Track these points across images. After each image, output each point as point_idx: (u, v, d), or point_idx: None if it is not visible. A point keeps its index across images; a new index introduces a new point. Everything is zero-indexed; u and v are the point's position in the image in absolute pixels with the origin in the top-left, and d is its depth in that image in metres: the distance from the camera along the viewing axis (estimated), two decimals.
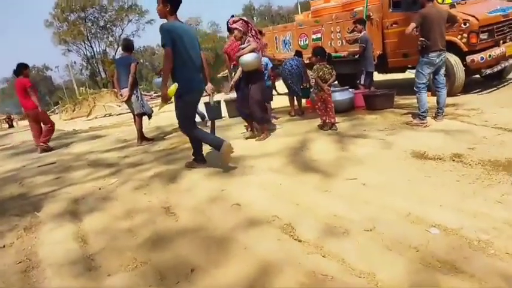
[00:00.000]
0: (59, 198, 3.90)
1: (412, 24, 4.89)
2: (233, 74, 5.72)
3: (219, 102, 8.44)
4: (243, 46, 4.91)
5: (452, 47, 7.00)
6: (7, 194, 4.37)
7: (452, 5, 7.07)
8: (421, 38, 4.89)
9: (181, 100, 3.82)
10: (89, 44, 44.49)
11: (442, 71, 5.18)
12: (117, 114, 21.93)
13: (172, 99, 3.81)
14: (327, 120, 5.19)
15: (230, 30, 5.25)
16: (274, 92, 8.59)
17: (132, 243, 2.70)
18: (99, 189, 4.03)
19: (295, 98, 7.12)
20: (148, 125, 7.06)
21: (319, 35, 9.69)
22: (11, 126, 21.91)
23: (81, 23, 42.74)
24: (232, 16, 5.86)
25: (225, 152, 3.92)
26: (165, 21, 3.77)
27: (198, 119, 5.39)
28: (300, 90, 6.91)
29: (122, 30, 45.00)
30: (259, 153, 4.59)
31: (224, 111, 8.49)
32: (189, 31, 3.95)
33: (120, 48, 45.84)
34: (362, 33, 7.23)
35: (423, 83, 5.09)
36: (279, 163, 4.09)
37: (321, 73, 5.09)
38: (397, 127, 5.10)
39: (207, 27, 52.49)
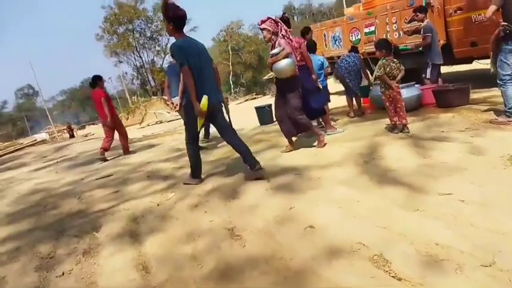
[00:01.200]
0: (118, 215, 3.73)
1: (492, 7, 4.23)
2: None
3: (270, 106, 8.11)
4: (274, 52, 4.48)
5: None
6: (66, 210, 4.31)
7: None
8: (503, 23, 4.21)
9: (193, 112, 3.82)
10: (138, 55, 46.30)
11: None
12: (168, 121, 22.44)
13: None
14: (398, 122, 4.65)
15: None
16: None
17: (198, 274, 2.41)
18: (158, 205, 3.83)
19: (353, 97, 6.61)
20: (202, 136, 6.87)
21: (372, 28, 9.08)
22: (72, 136, 23.00)
23: (129, 34, 44.55)
24: (284, 13, 5.51)
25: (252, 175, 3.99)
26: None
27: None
28: (359, 88, 6.39)
29: (168, 39, 46.32)
30: (324, 161, 4.17)
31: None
32: (197, 45, 3.92)
33: (167, 56, 47.39)
34: (424, 22, 6.55)
35: (508, 75, 4.41)
36: (349, 174, 3.65)
37: (388, 69, 4.56)
38: (481, 127, 4.45)
39: (248, 30, 52.64)
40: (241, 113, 12.28)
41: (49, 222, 3.92)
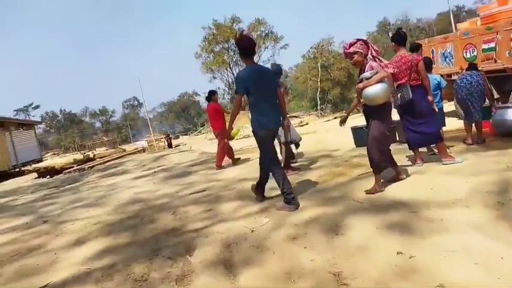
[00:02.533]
0: (212, 239, 3.58)
1: None
2: (398, 94, 4.80)
3: (367, 126, 7.50)
4: (366, 75, 3.94)
5: None
6: (162, 226, 4.31)
7: None
8: None
9: (257, 136, 4.21)
10: (230, 71, 48.43)
11: None
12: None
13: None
14: None
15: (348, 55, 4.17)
16: None
17: None
18: (252, 231, 3.59)
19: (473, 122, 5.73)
20: (297, 153, 6.57)
21: (492, 44, 7.93)
22: (170, 145, 24.30)
23: (224, 52, 46.90)
24: (400, 29, 5.00)
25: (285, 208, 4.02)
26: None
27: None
28: (481, 112, 5.53)
29: (259, 56, 47.81)
30: (444, 197, 3.55)
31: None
32: (262, 73, 4.16)
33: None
34: None
35: None
36: (480, 217, 3.00)
37: None
38: None
39: (339, 47, 51.75)
40: (332, 132, 11.78)
41: (145, 238, 3.94)
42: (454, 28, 17.19)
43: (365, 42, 4.09)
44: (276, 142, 4.58)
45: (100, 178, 10.13)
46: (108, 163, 14.40)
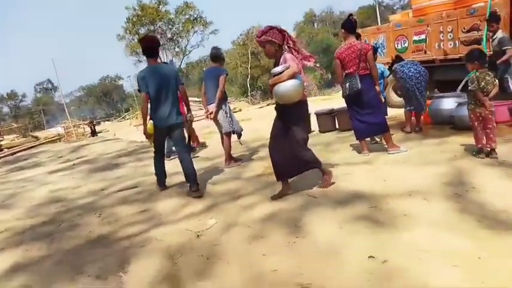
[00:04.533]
0: (150, 248, 3.02)
1: None
2: (346, 84, 4.61)
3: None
4: (277, 70, 3.42)
5: None
6: (85, 233, 3.62)
7: None
8: None
9: (155, 132, 4.41)
10: None
11: None
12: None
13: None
14: (487, 146, 3.85)
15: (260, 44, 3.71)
16: None
17: None
18: (198, 236, 3.11)
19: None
20: (240, 145, 6.14)
21: (423, 36, 8.27)
22: (94, 132, 22.05)
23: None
24: (351, 15, 4.77)
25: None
26: None
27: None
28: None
29: (188, 41, 46.22)
30: (399, 189, 3.41)
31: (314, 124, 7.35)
32: (159, 72, 4.24)
33: (185, 58, 47.21)
34: (499, 33, 5.72)
35: None
36: (441, 211, 2.87)
37: (483, 83, 3.76)
38: None
39: None
40: (268, 119, 11.57)
41: (65, 250, 3.24)
42: (378, 21, 17.98)
43: (280, 30, 3.54)
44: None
45: (8, 172, 8.72)
46: (18, 154, 12.64)
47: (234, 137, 5.60)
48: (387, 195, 3.32)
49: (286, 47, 3.53)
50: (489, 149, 3.86)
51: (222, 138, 5.55)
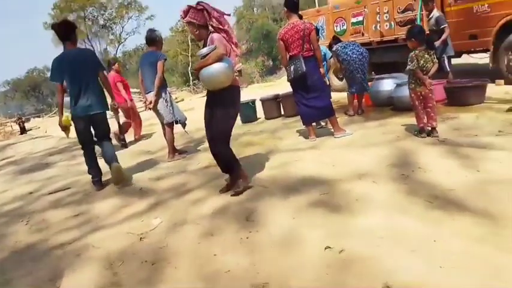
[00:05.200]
0: (86, 257, 2.69)
1: None
2: (291, 67, 4.48)
3: (253, 101, 7.21)
4: (202, 52, 3.14)
5: None
6: (12, 243, 3.19)
7: None
8: None
9: (76, 124, 4.15)
10: (89, 43, 43.27)
11: None
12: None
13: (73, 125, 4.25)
14: (428, 125, 3.95)
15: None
16: None
17: None
18: (141, 239, 2.83)
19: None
20: (187, 133, 5.79)
21: (360, 18, 8.44)
22: (23, 130, 19.94)
23: (81, 22, 41.48)
24: None
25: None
26: None
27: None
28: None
29: (122, 27, 43.95)
30: (348, 173, 3.38)
31: (260, 111, 7.24)
32: (76, 58, 4.00)
33: (121, 45, 44.82)
34: (435, 12, 5.93)
35: None
36: (390, 193, 2.86)
37: (422, 62, 3.81)
38: None
39: None
40: None
41: None
42: (316, 3, 18.07)
43: (200, 9, 3.15)
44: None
45: None
46: None
47: (177, 127, 5.28)
48: (337, 180, 3.28)
49: (211, 27, 3.19)
50: (430, 128, 3.97)
51: (163, 129, 5.21)
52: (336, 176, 3.38)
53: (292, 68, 4.46)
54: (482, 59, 7.37)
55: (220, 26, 3.19)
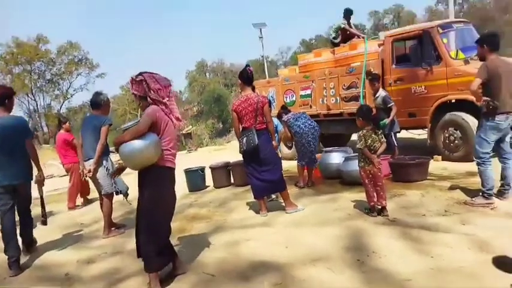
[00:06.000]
0: None
1: (477, 80, 3.92)
2: (243, 139, 4.38)
3: (203, 169, 6.95)
4: (125, 126, 3.09)
5: (466, 107, 6.30)
6: None
7: (466, 61, 6.43)
8: (485, 98, 3.91)
9: None
10: (32, 98, 41.47)
11: (508, 137, 4.20)
12: (60, 176, 19.21)
13: None
14: (378, 204, 3.92)
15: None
16: None
17: None
18: None
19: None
20: (129, 204, 5.30)
21: (309, 91, 8.80)
22: None
23: (26, 76, 40.01)
24: (248, 65, 4.65)
25: None
26: None
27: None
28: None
29: (70, 83, 42.88)
30: (305, 256, 3.16)
31: (209, 179, 6.97)
32: (6, 123, 3.82)
33: (66, 101, 43.38)
34: (381, 91, 6.29)
35: (487, 153, 4.06)
36: (350, 281, 2.67)
37: (369, 141, 3.87)
38: (460, 210, 3.97)
39: None
40: None
41: None
42: (266, 74, 19.10)
43: (140, 81, 2.94)
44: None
45: None
46: None
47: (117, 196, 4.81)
48: (291, 265, 3.05)
49: (149, 98, 2.95)
50: (380, 207, 3.94)
51: (101, 200, 4.74)
52: (290, 259, 3.16)
53: (244, 140, 4.36)
54: (420, 135, 7.82)
55: (159, 99, 2.95)
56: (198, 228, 4.41)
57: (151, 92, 2.94)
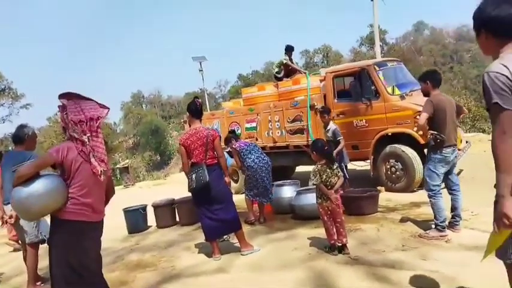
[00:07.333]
0: None
1: (424, 115, 4.04)
2: (193, 175, 4.03)
3: (144, 208, 6.38)
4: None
5: (406, 140, 6.62)
6: None
7: (401, 97, 6.80)
8: (432, 131, 4.04)
9: None
10: None
11: (455, 169, 4.36)
12: None
13: None
14: (338, 241, 3.75)
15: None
16: None
17: None
18: None
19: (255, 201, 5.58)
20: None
21: (254, 124, 8.72)
22: None
23: None
24: (196, 98, 4.39)
25: None
26: None
27: None
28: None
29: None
30: None
31: (152, 219, 6.40)
32: None
33: None
34: (332, 125, 6.34)
35: (438, 185, 4.15)
36: None
37: (324, 176, 3.73)
38: (416, 244, 3.95)
39: None
40: None
41: None
42: (208, 107, 18.98)
43: (60, 106, 2.48)
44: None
45: None
46: None
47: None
48: None
49: (68, 133, 2.46)
50: (341, 245, 3.78)
51: (24, 250, 4.03)
52: None
53: (194, 176, 4.02)
54: (362, 166, 8.01)
55: (76, 135, 2.41)
56: (142, 279, 3.89)
57: (70, 124, 2.41)
